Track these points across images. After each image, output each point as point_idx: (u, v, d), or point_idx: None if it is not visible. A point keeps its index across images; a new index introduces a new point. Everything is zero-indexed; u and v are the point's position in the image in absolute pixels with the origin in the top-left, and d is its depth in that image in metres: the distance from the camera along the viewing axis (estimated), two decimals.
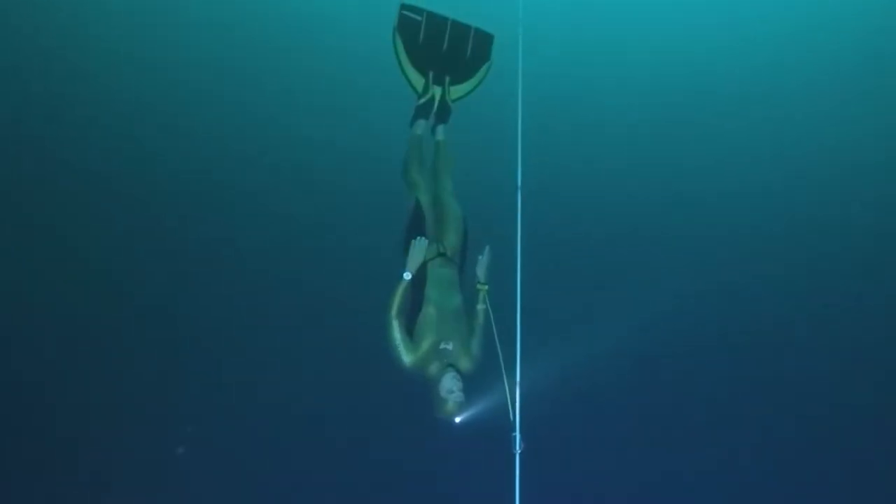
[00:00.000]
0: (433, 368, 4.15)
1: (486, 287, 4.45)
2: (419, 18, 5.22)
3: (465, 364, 4.22)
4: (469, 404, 4.06)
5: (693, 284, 7.50)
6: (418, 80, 5.26)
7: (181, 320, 7.35)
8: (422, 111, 5.22)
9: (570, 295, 6.37)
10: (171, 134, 7.92)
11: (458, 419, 4.06)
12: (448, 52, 5.27)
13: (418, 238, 4.39)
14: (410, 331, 4.27)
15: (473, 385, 4.07)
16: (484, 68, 5.36)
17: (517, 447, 3.62)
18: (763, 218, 8.23)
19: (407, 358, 4.17)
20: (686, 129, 8.47)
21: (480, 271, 4.53)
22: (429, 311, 4.32)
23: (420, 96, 5.24)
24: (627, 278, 7.52)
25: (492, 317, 4.33)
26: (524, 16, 4.92)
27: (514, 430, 3.67)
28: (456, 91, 5.29)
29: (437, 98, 5.21)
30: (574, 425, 6.55)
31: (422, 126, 5.20)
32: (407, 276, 4.26)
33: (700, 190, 8.20)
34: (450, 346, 4.21)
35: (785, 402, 7.40)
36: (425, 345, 4.21)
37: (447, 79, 5.25)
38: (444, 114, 5.24)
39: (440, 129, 5.21)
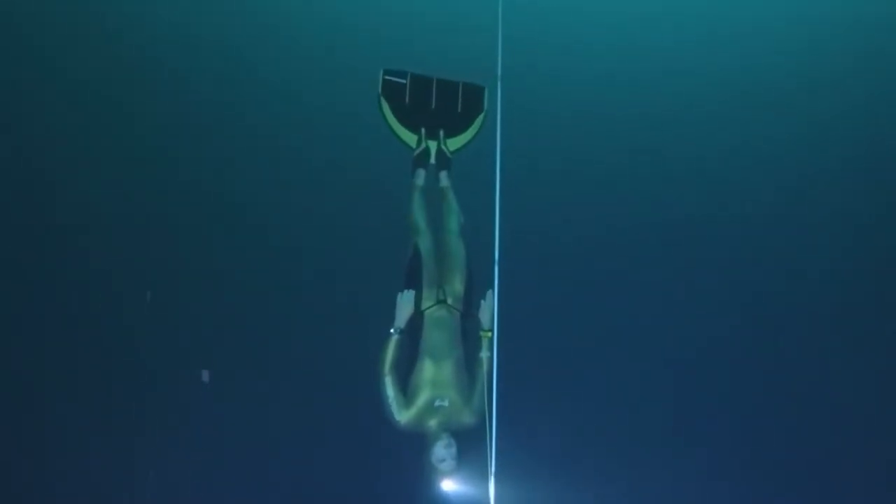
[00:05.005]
0: (429, 426, 3.99)
1: (490, 334, 4.15)
2: (403, 81, 5.21)
3: (466, 419, 4.03)
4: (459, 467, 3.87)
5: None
6: (411, 137, 5.17)
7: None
8: (419, 161, 5.09)
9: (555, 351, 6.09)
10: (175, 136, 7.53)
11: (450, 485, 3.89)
12: (438, 109, 5.23)
13: (404, 291, 4.30)
14: (406, 385, 4.10)
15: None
16: (479, 119, 5.25)
17: None
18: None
19: (399, 416, 4.01)
20: (686, 129, 8.10)
21: (484, 317, 4.32)
22: (424, 366, 4.13)
23: (415, 150, 5.13)
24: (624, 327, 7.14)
25: (484, 370, 4.10)
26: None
27: None
28: (453, 143, 5.21)
29: (434, 150, 5.13)
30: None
31: (422, 176, 5.06)
32: (395, 330, 4.16)
33: (699, 207, 7.83)
34: (445, 403, 4.03)
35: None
36: (419, 401, 4.04)
37: (441, 133, 5.17)
38: (443, 161, 5.13)
39: (442, 175, 5.09)
